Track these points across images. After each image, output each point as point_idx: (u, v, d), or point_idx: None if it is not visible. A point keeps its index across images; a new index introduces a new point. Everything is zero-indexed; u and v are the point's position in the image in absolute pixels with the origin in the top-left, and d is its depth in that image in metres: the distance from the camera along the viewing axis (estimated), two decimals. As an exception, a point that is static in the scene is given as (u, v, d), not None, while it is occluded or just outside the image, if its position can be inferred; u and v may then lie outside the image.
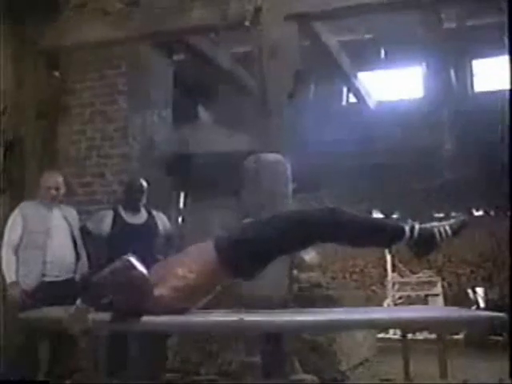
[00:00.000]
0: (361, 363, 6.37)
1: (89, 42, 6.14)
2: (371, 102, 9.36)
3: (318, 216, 3.46)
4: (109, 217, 5.11)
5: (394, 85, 10.56)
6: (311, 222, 3.41)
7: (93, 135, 6.35)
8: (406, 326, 4.34)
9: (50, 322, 3.93)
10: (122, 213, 5.13)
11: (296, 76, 5.43)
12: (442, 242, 3.36)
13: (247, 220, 3.76)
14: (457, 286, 11.33)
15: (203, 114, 8.36)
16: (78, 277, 4.97)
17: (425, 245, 3.37)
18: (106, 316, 3.46)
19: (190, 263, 3.45)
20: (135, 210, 5.16)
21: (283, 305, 4.25)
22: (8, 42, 6.10)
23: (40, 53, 6.32)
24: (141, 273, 3.36)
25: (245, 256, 3.39)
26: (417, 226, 3.36)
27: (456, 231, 3.39)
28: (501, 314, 3.09)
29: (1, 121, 5.95)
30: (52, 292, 4.61)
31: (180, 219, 7.89)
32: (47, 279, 4.81)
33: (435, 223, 3.40)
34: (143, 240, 4.83)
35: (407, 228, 3.35)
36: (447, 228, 3.38)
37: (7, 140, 5.99)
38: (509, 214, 6.04)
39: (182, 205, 8.74)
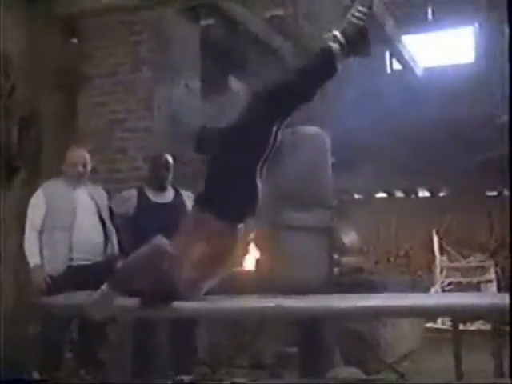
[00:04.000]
0: (405, 355, 6.35)
1: (102, 7, 6.15)
2: (418, 69, 9.24)
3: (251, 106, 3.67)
4: (133, 196, 5.15)
5: (443, 49, 10.39)
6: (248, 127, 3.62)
7: (115, 108, 6.38)
8: (457, 315, 4.30)
9: (71, 309, 4.00)
10: (148, 192, 5.17)
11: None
12: (366, 24, 3.58)
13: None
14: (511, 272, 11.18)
15: (235, 84, 8.31)
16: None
17: (359, 39, 3.58)
18: (132, 302, 3.52)
19: (191, 233, 3.61)
20: (161, 189, 5.19)
21: (323, 290, 4.27)
22: (19, 7, 6.12)
23: (54, 18, 6.36)
24: (171, 257, 3.40)
25: (220, 188, 3.62)
26: (337, 33, 3.57)
27: (370, 4, 3.62)
28: None
29: (13, 94, 5.98)
30: (81, 277, 4.64)
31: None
32: (75, 263, 4.84)
33: (347, 16, 3.57)
34: (170, 220, 4.83)
35: (331, 43, 3.56)
36: (360, 9, 3.58)
37: (21, 116, 6.04)
38: None
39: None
